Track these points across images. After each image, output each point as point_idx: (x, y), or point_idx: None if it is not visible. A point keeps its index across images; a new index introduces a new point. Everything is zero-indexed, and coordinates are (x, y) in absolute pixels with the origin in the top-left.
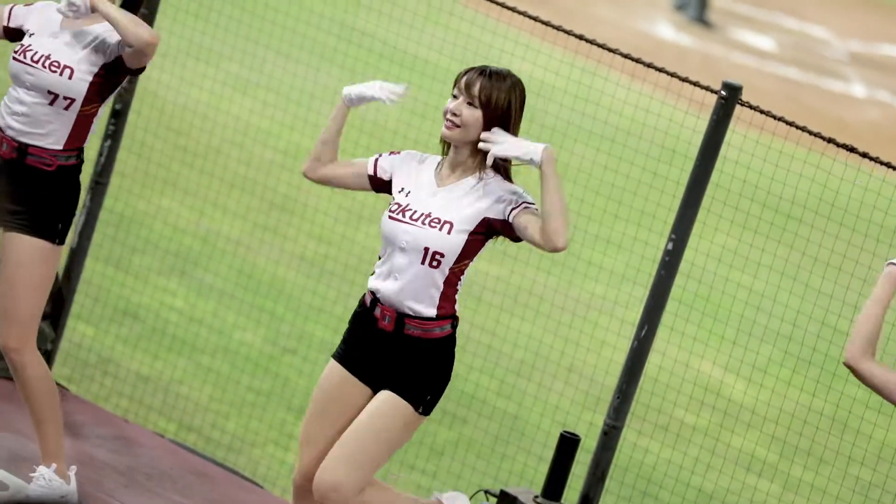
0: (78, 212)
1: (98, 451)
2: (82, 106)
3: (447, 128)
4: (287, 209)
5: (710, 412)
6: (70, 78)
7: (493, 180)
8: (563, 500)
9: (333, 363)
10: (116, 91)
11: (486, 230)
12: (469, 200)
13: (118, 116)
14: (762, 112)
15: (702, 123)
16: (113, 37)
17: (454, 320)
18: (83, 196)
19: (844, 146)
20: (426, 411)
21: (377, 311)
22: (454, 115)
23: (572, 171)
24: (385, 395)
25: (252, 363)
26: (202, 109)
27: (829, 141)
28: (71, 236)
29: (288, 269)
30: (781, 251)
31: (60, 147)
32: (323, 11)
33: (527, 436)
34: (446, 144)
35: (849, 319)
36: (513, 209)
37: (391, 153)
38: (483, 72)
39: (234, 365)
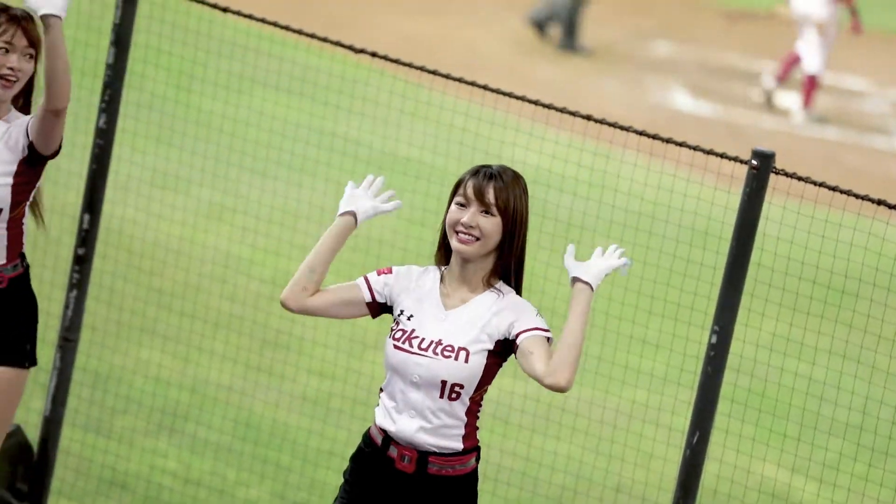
0: (47, 374)
1: None
2: (11, 212)
3: (464, 242)
4: (281, 345)
5: None
6: None
7: (508, 297)
8: None
9: None
10: (38, 185)
11: (503, 349)
12: (482, 322)
13: (81, 263)
14: (800, 179)
15: (734, 199)
16: (19, 128)
17: (478, 452)
18: (51, 355)
19: None
20: None
21: (393, 452)
22: (470, 227)
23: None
24: None
25: None
26: (175, 244)
27: (879, 203)
28: (43, 403)
29: (289, 412)
30: (840, 331)
31: (4, 261)
32: (298, 120)
33: None
34: (444, 255)
35: None
36: (523, 331)
37: (379, 273)
38: (490, 175)
39: None
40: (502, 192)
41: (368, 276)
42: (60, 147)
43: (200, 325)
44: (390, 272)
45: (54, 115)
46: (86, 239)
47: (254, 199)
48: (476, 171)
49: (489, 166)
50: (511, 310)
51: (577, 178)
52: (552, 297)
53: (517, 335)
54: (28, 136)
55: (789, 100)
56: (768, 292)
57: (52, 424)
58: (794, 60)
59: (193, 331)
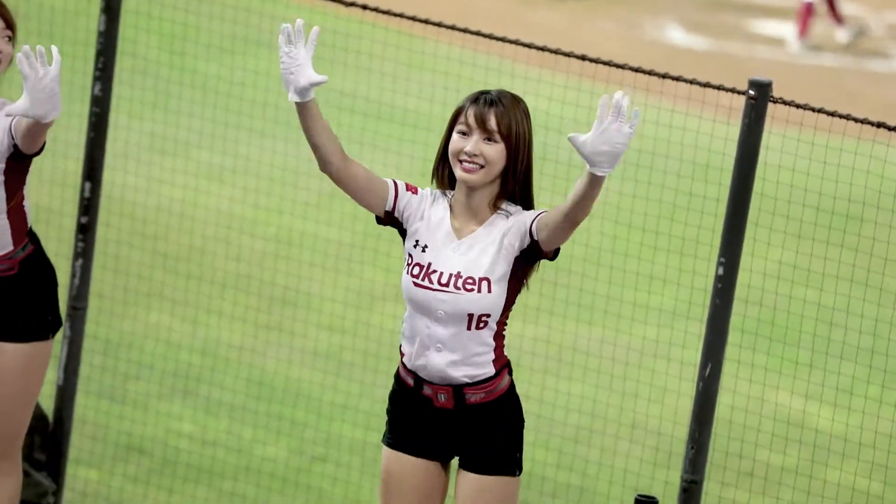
0: (58, 344)
1: None
2: (9, 203)
3: (468, 171)
4: (290, 302)
5: (797, 448)
6: None
7: (514, 214)
8: None
9: (394, 454)
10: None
11: (524, 263)
12: (496, 247)
13: (85, 231)
14: (798, 106)
15: (733, 130)
16: (1, 124)
17: (509, 366)
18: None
19: None
20: (521, 468)
21: (427, 391)
22: (474, 155)
23: (598, 207)
24: (482, 484)
25: (279, 480)
26: (177, 207)
27: (879, 125)
28: (55, 373)
29: (302, 368)
30: (847, 256)
31: (12, 248)
32: None
33: None
34: (442, 181)
35: None
36: (533, 220)
37: (408, 187)
38: (490, 101)
39: (260, 485)
40: (504, 117)
41: (398, 185)
42: (44, 146)
43: (208, 287)
44: (416, 193)
45: (44, 126)
46: (88, 207)
47: (254, 159)
48: (476, 98)
49: (488, 92)
50: (519, 220)
51: (576, 118)
52: None
53: (530, 228)
54: (12, 138)
55: (784, 29)
56: (773, 221)
57: (65, 393)
58: (808, 9)
59: (201, 293)
